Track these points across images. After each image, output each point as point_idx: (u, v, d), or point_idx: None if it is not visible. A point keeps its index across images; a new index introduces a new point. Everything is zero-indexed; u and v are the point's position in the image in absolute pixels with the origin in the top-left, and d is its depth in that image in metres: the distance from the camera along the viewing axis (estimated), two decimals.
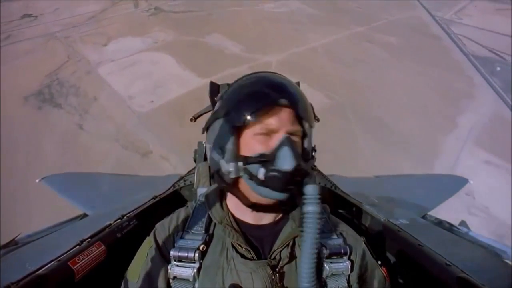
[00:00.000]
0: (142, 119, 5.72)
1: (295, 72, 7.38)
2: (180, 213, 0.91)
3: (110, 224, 1.13)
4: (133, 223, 1.21)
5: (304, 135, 0.80)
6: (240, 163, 0.73)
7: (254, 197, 0.77)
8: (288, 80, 0.83)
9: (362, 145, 5.53)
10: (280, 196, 0.72)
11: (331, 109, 6.30)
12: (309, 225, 0.66)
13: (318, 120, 0.89)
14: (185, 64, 7.49)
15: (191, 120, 0.85)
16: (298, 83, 0.90)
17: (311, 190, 0.68)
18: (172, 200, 1.56)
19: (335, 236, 0.83)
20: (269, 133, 0.74)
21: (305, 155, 0.78)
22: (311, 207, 0.67)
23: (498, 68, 8.78)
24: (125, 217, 1.22)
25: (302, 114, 0.77)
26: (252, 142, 0.74)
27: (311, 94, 6.25)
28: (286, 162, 0.69)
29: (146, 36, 8.72)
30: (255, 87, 0.78)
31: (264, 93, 0.75)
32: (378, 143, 5.55)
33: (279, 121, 0.74)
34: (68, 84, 6.77)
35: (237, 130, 0.76)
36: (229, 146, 0.75)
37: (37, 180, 2.50)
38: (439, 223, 1.91)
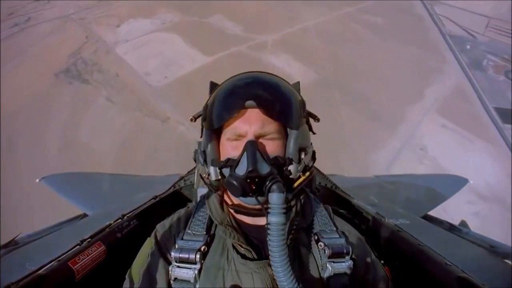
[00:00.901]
0: (159, 92, 6.85)
1: (289, 50, 8.39)
2: (181, 214, 0.91)
3: (110, 224, 1.13)
4: (133, 223, 1.21)
5: (287, 135, 0.77)
6: (217, 167, 0.76)
7: (234, 200, 0.78)
8: (264, 77, 0.80)
9: (343, 113, 6.69)
10: (250, 201, 0.72)
11: (319, 83, 7.32)
12: (272, 237, 0.63)
13: (318, 120, 0.88)
14: (192, 43, 8.34)
15: (191, 120, 0.85)
16: (298, 83, 0.89)
17: (274, 199, 0.65)
18: (172, 200, 1.56)
19: (337, 236, 0.82)
20: (238, 137, 0.74)
21: (275, 160, 0.73)
22: (274, 218, 0.63)
23: (468, 47, 9.93)
24: (125, 217, 1.21)
25: (273, 115, 0.73)
26: (226, 147, 0.77)
27: (302, 71, 7.78)
28: (242, 167, 0.69)
29: (154, 17, 9.44)
30: (226, 92, 0.78)
31: (232, 98, 0.75)
32: (357, 111, 6.77)
33: (247, 124, 0.73)
34: (91, 62, 7.69)
35: (216, 135, 0.78)
36: (209, 150, 0.78)
37: (37, 180, 2.49)
38: (439, 223, 1.91)
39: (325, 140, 4.27)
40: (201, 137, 0.85)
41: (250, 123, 0.73)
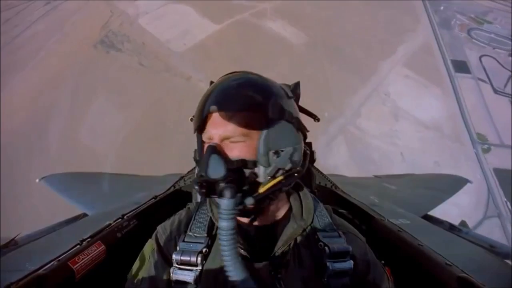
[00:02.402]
0: (180, 56, 8.30)
1: (285, 17, 10.02)
2: (182, 215, 0.91)
3: (110, 224, 1.13)
4: (133, 223, 1.21)
5: (254, 138, 0.75)
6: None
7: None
8: (235, 84, 0.78)
9: (327, 67, 8.47)
10: (225, 203, 0.70)
11: (307, 44, 9.12)
12: (222, 242, 0.66)
13: (318, 120, 0.88)
14: (202, 13, 9.84)
15: (191, 120, 0.85)
16: (298, 83, 0.89)
17: (223, 204, 0.67)
18: (172, 200, 1.55)
19: (337, 235, 0.83)
20: (209, 140, 0.76)
21: (237, 163, 0.72)
22: (223, 223, 0.66)
23: (442, 7, 10.93)
24: (125, 217, 1.21)
25: (231, 118, 0.73)
26: (203, 149, 0.79)
27: (295, 34, 9.38)
28: (201, 169, 0.73)
29: None
30: (202, 98, 0.80)
31: (203, 103, 0.77)
32: (338, 66, 8.56)
33: (213, 128, 0.75)
34: (120, 34, 9.31)
35: (198, 139, 0.81)
36: (197, 152, 0.83)
37: (37, 180, 2.49)
38: (439, 223, 1.91)
39: (312, 88, 7.37)
40: None
41: (215, 127, 0.75)
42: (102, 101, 7.49)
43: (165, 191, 1.60)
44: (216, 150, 0.72)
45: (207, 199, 0.89)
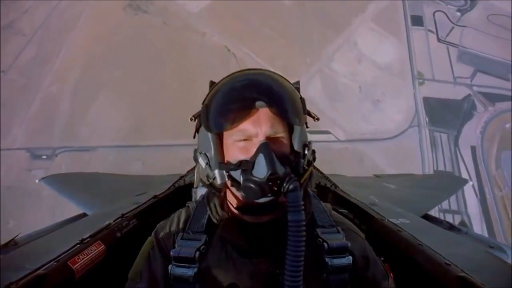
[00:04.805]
0: (195, 16, 10.59)
1: None
2: (181, 214, 0.91)
3: (110, 224, 1.13)
4: (133, 222, 1.21)
5: (294, 133, 0.77)
6: (224, 170, 0.75)
7: (241, 201, 0.77)
8: (270, 76, 0.79)
9: (310, 22, 10.53)
10: (263, 200, 0.71)
11: (297, 4, 10.74)
12: (291, 234, 0.64)
13: (317, 119, 0.88)
14: None
15: (190, 120, 0.84)
16: (297, 82, 0.89)
17: (293, 198, 0.66)
18: (172, 199, 1.55)
19: (336, 232, 0.82)
20: (248, 138, 0.73)
21: (286, 158, 0.74)
22: (294, 216, 0.65)
23: None
24: (125, 216, 1.21)
25: (285, 113, 0.73)
26: (233, 149, 0.75)
27: None
28: (260, 170, 0.69)
29: None
30: (231, 92, 0.76)
31: (239, 98, 0.74)
32: (320, 22, 10.46)
33: (257, 125, 0.72)
34: None
35: (219, 136, 0.76)
36: (213, 153, 0.76)
37: (36, 181, 2.49)
38: (439, 222, 1.91)
39: (298, 40, 10.10)
40: (194, 137, 0.84)
41: (260, 124, 0.72)
42: (136, 55, 9.80)
43: (164, 190, 1.60)
44: (270, 147, 0.70)
45: (205, 198, 0.89)
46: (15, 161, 8.43)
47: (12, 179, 8.10)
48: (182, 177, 1.79)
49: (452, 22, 11.27)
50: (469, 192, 7.89)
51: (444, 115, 9.27)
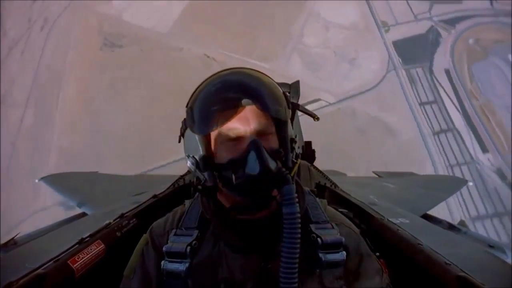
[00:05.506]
0: (168, 35, 10.40)
1: None
2: (177, 212, 0.91)
3: (110, 223, 1.13)
4: (132, 222, 1.21)
5: (281, 127, 0.77)
6: (214, 171, 0.75)
7: (235, 200, 0.77)
8: (251, 74, 0.79)
9: (276, 11, 10.60)
10: (257, 196, 0.72)
11: None
12: (286, 226, 0.65)
13: (317, 119, 0.88)
14: None
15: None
16: (297, 82, 0.89)
17: (288, 191, 0.67)
18: (172, 199, 1.55)
19: (330, 227, 0.82)
20: (237, 137, 0.73)
21: (276, 153, 0.74)
22: (289, 209, 0.66)
23: None
24: (124, 216, 1.21)
25: (270, 108, 0.73)
26: (222, 149, 0.75)
27: None
28: (252, 167, 0.69)
29: None
30: (216, 92, 0.75)
31: (224, 97, 0.73)
32: (281, 7, 10.62)
33: (245, 123, 0.72)
34: (114, 32, 10.61)
35: (206, 138, 0.76)
36: (201, 155, 0.76)
37: (36, 180, 2.49)
38: (439, 222, 1.91)
39: (263, 30, 10.43)
40: (179, 141, 0.84)
41: (248, 121, 0.72)
42: (126, 84, 9.89)
43: (164, 190, 1.60)
44: (260, 143, 0.71)
45: (199, 194, 0.89)
46: None
47: None
48: (182, 176, 1.79)
49: None
50: (453, 110, 8.93)
51: (415, 51, 10.03)
